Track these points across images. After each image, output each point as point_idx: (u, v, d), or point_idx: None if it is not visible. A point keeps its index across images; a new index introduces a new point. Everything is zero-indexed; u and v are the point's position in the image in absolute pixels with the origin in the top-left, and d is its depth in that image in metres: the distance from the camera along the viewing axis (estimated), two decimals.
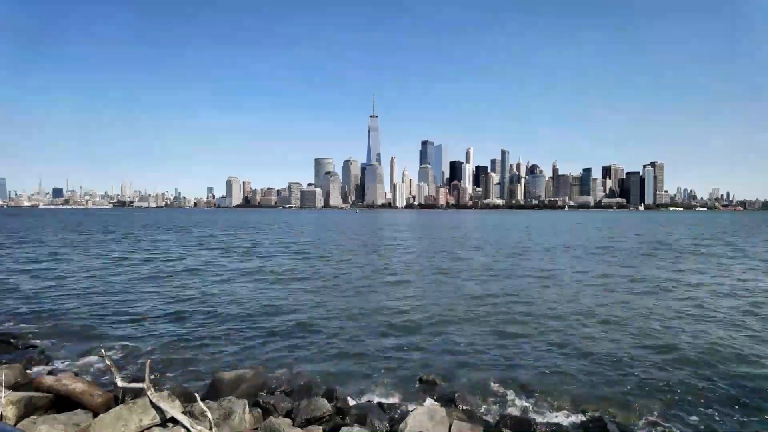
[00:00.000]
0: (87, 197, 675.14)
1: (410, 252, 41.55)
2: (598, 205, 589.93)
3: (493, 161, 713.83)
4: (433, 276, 26.76)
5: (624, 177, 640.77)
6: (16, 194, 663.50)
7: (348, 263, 32.60)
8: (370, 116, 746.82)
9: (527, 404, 9.69)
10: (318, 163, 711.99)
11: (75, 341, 13.40)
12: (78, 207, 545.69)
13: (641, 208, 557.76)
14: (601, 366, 11.77)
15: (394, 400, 9.76)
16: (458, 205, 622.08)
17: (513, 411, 9.32)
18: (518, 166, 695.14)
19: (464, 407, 9.39)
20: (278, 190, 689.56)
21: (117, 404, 7.90)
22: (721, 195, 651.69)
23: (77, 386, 8.47)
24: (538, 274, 27.28)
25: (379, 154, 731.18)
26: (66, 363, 11.61)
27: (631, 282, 24.64)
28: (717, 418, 9.00)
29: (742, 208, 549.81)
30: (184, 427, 7.14)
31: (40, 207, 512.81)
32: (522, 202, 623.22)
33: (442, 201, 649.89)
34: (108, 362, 8.57)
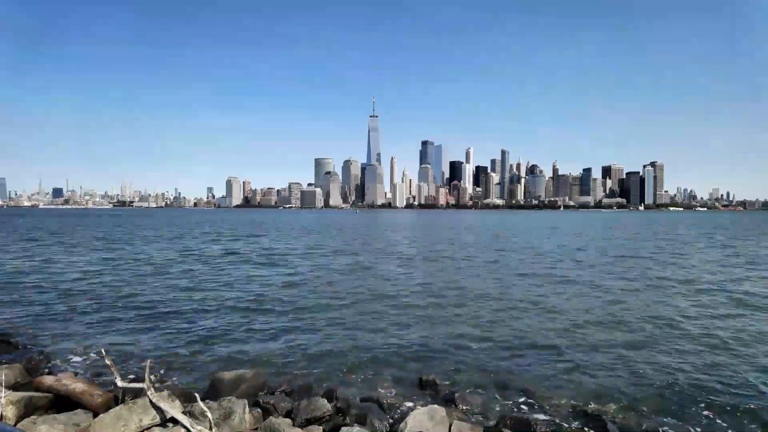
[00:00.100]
0: (87, 197, 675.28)
1: (412, 253, 41.54)
2: (598, 205, 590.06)
3: (493, 161, 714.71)
4: (433, 276, 26.76)
5: (624, 177, 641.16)
6: (16, 194, 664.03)
7: (348, 263, 32.60)
8: (370, 116, 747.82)
9: (527, 404, 9.68)
10: (318, 163, 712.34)
11: (75, 341, 13.38)
12: (78, 207, 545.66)
13: (641, 208, 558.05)
14: (601, 366, 11.76)
15: (394, 400, 9.75)
16: (458, 205, 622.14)
17: (513, 411, 9.32)
18: (518, 166, 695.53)
19: (464, 407, 9.38)
20: (278, 190, 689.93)
21: (117, 404, 7.90)
22: (721, 195, 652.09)
23: (77, 386, 8.47)
24: (543, 276, 27.28)
25: (379, 154, 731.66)
26: (66, 363, 11.60)
27: (637, 283, 24.63)
28: (717, 418, 9.00)
29: (742, 208, 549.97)
30: (184, 427, 7.15)
31: (40, 207, 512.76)
32: (522, 202, 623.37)
33: (442, 201, 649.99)
34: (108, 362, 8.57)
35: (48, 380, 8.74)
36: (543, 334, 14.59)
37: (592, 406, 9.53)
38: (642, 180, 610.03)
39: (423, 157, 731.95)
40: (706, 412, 9.23)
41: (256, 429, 7.72)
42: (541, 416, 9.06)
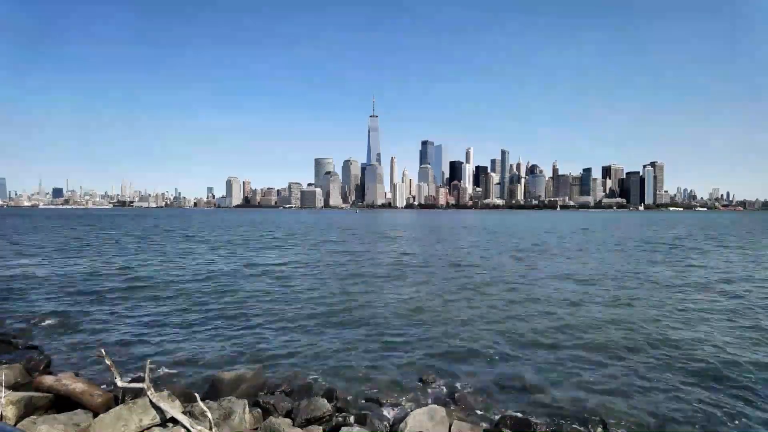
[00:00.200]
0: (87, 197, 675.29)
1: (415, 253, 41.54)
2: (598, 205, 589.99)
3: (493, 161, 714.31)
4: (434, 277, 26.75)
5: (624, 177, 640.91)
6: (16, 194, 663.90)
7: (348, 263, 32.59)
8: (370, 116, 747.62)
9: (527, 404, 9.68)
10: (318, 163, 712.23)
11: (75, 341, 13.39)
12: (78, 207, 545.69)
13: (641, 208, 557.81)
14: (601, 366, 11.77)
15: (394, 400, 9.76)
16: (458, 205, 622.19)
17: (513, 411, 9.32)
18: (518, 166, 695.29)
19: (464, 407, 9.39)
20: (278, 190, 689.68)
21: (117, 404, 7.91)
22: (721, 195, 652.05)
23: (77, 386, 8.48)
24: (547, 276, 27.27)
25: (379, 154, 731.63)
26: (66, 363, 11.61)
27: (639, 282, 24.63)
28: (718, 418, 9.00)
29: (742, 208, 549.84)
30: (184, 427, 7.15)
31: (40, 207, 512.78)
32: (522, 202, 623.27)
33: (442, 201, 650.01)
34: (108, 362, 8.57)
35: (48, 380, 8.75)
36: (543, 334, 14.58)
37: (592, 406, 9.54)
38: (642, 180, 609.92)
39: (423, 157, 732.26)
40: (706, 413, 9.23)
41: (256, 429, 7.73)
42: (541, 416, 9.07)
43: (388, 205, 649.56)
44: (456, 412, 8.94)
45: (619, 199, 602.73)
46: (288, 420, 8.00)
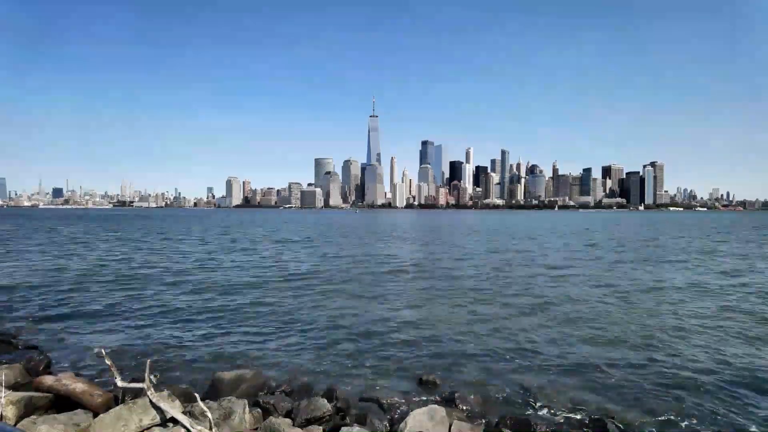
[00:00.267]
0: (87, 197, 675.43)
1: (418, 254, 41.53)
2: (598, 205, 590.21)
3: (493, 161, 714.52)
4: (434, 278, 26.76)
5: (624, 177, 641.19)
6: (16, 194, 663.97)
7: (347, 264, 32.60)
8: (370, 116, 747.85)
9: (527, 404, 9.68)
10: (318, 163, 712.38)
11: (75, 341, 13.40)
12: (78, 207, 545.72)
13: (641, 208, 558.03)
14: (601, 366, 11.76)
15: (394, 400, 9.74)
16: (458, 205, 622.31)
17: (513, 411, 9.32)
18: (518, 166, 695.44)
19: (464, 407, 9.39)
20: (278, 190, 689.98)
21: (117, 404, 7.90)
22: (721, 195, 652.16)
23: (77, 386, 8.47)
24: (546, 276, 27.28)
25: (379, 154, 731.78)
26: (66, 363, 11.61)
27: (641, 283, 24.63)
28: (718, 419, 9.00)
29: (742, 208, 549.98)
30: (184, 427, 7.15)
31: (40, 207, 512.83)
32: (522, 202, 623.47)
33: (442, 201, 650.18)
34: (108, 362, 8.57)
35: (48, 380, 8.75)
36: (543, 334, 14.59)
37: (592, 406, 9.54)
38: (642, 180, 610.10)
39: (423, 157, 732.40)
40: (706, 413, 9.23)
41: (256, 429, 7.73)
42: (541, 416, 9.07)
43: (388, 205, 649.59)
44: (456, 412, 8.94)
45: (619, 199, 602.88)
46: (288, 420, 8.00)
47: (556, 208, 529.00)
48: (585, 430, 8.55)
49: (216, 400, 8.25)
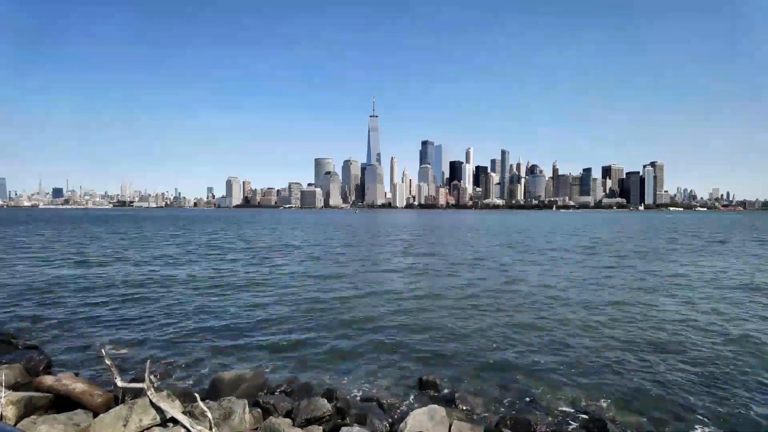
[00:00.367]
0: (87, 197, 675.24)
1: (422, 254, 41.51)
2: (598, 205, 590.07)
3: (493, 161, 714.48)
4: (434, 278, 26.75)
5: (624, 177, 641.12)
6: (16, 194, 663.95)
7: (348, 265, 32.59)
8: (370, 116, 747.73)
9: (527, 404, 9.68)
10: (318, 163, 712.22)
11: (75, 341, 13.39)
12: (78, 207, 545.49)
13: (641, 208, 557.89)
14: (601, 366, 11.77)
15: (394, 400, 9.75)
16: (458, 205, 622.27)
17: (513, 411, 9.32)
18: (518, 166, 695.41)
19: (464, 407, 9.38)
20: (278, 190, 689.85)
21: (117, 404, 7.91)
22: (721, 195, 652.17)
23: (77, 386, 8.47)
24: (549, 278, 27.27)
25: (379, 154, 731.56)
26: (66, 363, 11.60)
27: (640, 282, 24.62)
28: (718, 419, 9.00)
29: (742, 208, 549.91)
30: (184, 427, 7.15)
31: (40, 207, 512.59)
32: (522, 202, 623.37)
33: (442, 201, 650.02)
34: (108, 362, 8.57)
35: (48, 380, 8.74)
36: (544, 334, 14.58)
37: (592, 406, 9.54)
38: (642, 180, 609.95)
39: (423, 157, 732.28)
40: (706, 413, 9.23)
41: (256, 429, 7.72)
42: (541, 416, 9.07)
43: (388, 205, 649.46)
44: (456, 412, 8.94)
45: (619, 199, 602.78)
46: (288, 420, 7.99)
47: (554, 209, 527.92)
48: (585, 430, 8.55)
49: (216, 400, 8.25)
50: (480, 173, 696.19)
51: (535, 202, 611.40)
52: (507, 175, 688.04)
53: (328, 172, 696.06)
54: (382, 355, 12.59)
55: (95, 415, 7.68)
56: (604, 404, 9.62)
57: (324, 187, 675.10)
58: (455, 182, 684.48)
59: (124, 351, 12.52)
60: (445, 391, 10.24)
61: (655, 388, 10.36)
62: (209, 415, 7.35)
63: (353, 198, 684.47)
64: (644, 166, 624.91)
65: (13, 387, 8.97)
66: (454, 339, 14.02)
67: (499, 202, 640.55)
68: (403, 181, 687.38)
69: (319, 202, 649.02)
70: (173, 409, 7.48)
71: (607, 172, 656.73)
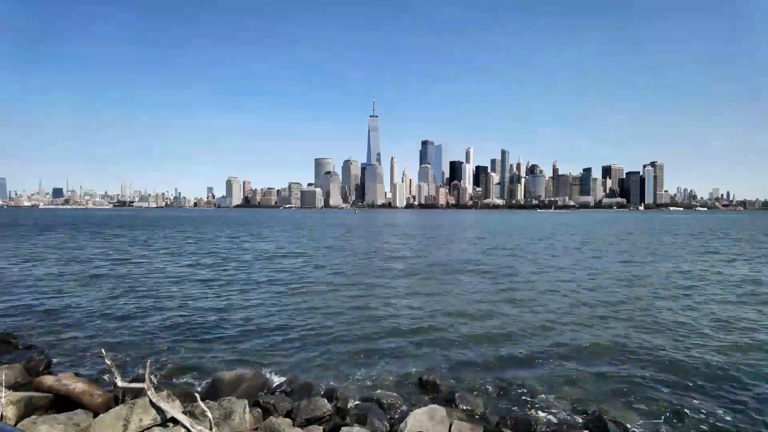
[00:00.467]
0: (87, 197, 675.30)
1: (420, 254, 41.52)
2: (598, 205, 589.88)
3: (493, 161, 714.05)
4: (434, 278, 26.75)
5: (624, 177, 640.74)
6: (16, 194, 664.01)
7: (348, 265, 32.59)
8: (370, 116, 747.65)
9: (527, 404, 9.68)
10: (318, 163, 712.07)
11: (75, 341, 13.39)
12: (78, 207, 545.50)
13: (641, 208, 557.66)
14: (601, 366, 11.77)
15: (394, 400, 9.74)
16: (458, 205, 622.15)
17: (513, 411, 9.32)
18: (518, 166, 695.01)
19: (464, 407, 9.38)
20: (278, 190, 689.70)
21: (117, 404, 7.91)
22: (721, 195, 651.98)
23: (77, 386, 8.47)
24: (549, 279, 27.26)
25: (379, 154, 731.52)
26: (66, 363, 11.61)
27: (641, 281, 24.62)
28: (718, 419, 9.00)
29: (742, 208, 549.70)
30: (184, 427, 7.15)
31: (40, 207, 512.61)
32: (522, 202, 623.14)
33: (442, 201, 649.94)
34: (108, 362, 8.57)
35: (48, 380, 8.74)
36: (544, 334, 14.59)
37: (592, 406, 9.54)
38: (642, 180, 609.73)
39: (423, 157, 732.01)
40: (707, 413, 9.23)
41: (256, 429, 7.72)
42: (541, 416, 9.07)
43: (388, 205, 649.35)
44: (456, 412, 8.93)
45: (619, 199, 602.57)
46: (288, 420, 7.99)
47: (554, 209, 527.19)
48: (585, 430, 8.54)
49: (216, 400, 8.25)
50: (480, 173, 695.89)
51: (535, 202, 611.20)
52: (507, 175, 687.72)
53: (328, 172, 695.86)
54: (382, 355, 12.59)
55: (95, 415, 7.68)
56: (605, 404, 9.62)
57: (324, 187, 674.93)
58: (455, 182, 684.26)
59: (124, 351, 12.52)
60: (445, 391, 10.24)
61: (656, 388, 10.36)
62: (209, 415, 7.35)
63: (353, 198, 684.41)
64: (644, 166, 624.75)
65: (13, 387, 8.97)
66: (454, 339, 14.02)
67: (499, 202, 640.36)
68: (403, 181, 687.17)
69: (319, 202, 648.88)
70: (173, 409, 7.48)
71: (607, 172, 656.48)
